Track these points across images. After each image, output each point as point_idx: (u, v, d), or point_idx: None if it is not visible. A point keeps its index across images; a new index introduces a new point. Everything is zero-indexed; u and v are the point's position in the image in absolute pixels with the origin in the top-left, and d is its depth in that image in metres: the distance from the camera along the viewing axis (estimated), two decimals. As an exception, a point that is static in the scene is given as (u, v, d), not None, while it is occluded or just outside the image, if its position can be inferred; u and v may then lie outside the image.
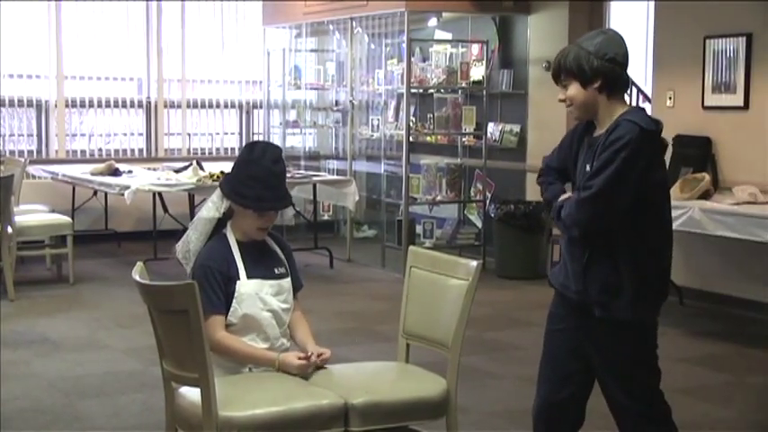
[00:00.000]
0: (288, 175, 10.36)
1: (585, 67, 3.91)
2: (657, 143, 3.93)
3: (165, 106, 12.65)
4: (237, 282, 4.23)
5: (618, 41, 3.96)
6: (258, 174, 4.23)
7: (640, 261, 3.89)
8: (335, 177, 11.30)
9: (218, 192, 4.35)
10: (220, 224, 4.36)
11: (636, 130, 3.78)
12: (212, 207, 4.35)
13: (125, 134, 12.48)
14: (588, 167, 3.89)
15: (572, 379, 4.11)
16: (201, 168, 10.33)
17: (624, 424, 4.11)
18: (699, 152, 8.57)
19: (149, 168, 11.55)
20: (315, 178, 10.87)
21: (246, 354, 4.23)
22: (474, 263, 4.32)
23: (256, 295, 4.25)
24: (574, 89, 3.95)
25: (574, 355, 4.08)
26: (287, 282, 4.37)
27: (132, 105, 12.47)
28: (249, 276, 4.26)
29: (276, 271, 4.35)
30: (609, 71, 3.91)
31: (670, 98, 8.90)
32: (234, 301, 4.22)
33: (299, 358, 4.20)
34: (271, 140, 12.63)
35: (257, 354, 4.24)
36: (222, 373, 4.14)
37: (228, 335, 4.20)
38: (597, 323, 3.97)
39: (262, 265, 4.32)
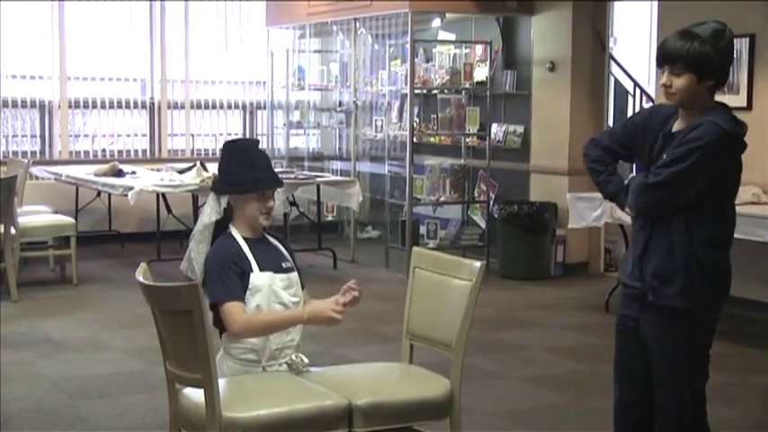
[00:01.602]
0: (291, 175, 10.50)
1: (709, 66, 3.86)
2: (737, 145, 3.99)
3: (169, 107, 12.64)
4: (251, 274, 4.27)
5: (732, 39, 3.95)
6: (249, 159, 4.35)
7: (698, 250, 3.91)
8: (339, 178, 11.30)
9: (212, 195, 4.42)
10: (219, 232, 4.40)
11: (717, 133, 3.83)
12: (211, 211, 4.40)
13: (128, 135, 12.47)
14: (665, 157, 3.91)
15: (640, 378, 4.14)
16: (205, 169, 10.32)
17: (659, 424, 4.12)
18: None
19: (153, 169, 11.53)
20: (318, 179, 10.86)
21: (276, 322, 4.26)
22: (477, 263, 4.33)
23: (269, 287, 4.28)
24: (687, 80, 3.87)
25: (638, 355, 4.12)
26: (295, 275, 4.42)
27: (136, 106, 12.47)
28: (261, 269, 4.29)
29: (284, 265, 4.40)
30: (725, 73, 3.92)
31: (673, 99, 8.89)
32: (248, 292, 4.25)
33: (334, 309, 4.24)
34: (274, 141, 12.70)
35: (284, 317, 4.27)
36: (234, 372, 4.22)
37: (251, 314, 4.23)
38: (649, 311, 4.00)
39: (270, 259, 4.36)
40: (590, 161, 4.23)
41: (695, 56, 3.84)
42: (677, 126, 3.98)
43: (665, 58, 3.91)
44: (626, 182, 4.07)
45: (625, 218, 8.16)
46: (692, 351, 4.03)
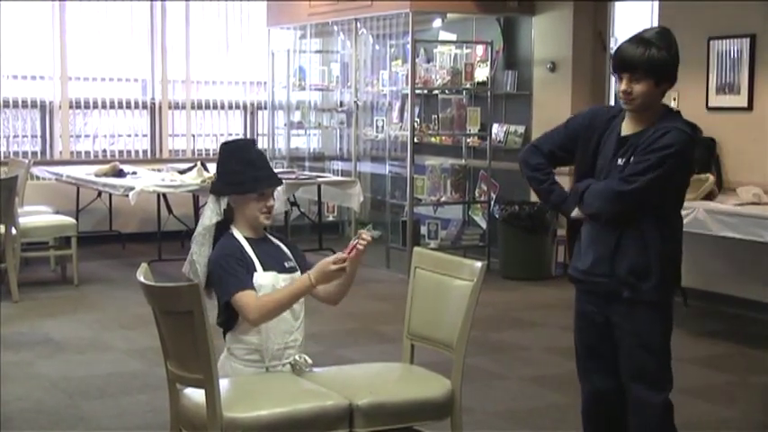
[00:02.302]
0: (292, 175, 10.50)
1: (667, 71, 4.01)
2: (696, 147, 4.17)
3: (170, 107, 12.64)
4: (255, 273, 4.25)
5: (677, 42, 4.09)
6: (247, 159, 4.33)
7: (667, 244, 4.08)
8: (340, 178, 11.30)
9: (211, 197, 4.40)
10: (220, 233, 4.39)
11: (686, 140, 3.99)
12: (211, 213, 4.39)
13: (129, 135, 12.48)
14: (621, 161, 4.05)
15: (610, 370, 4.23)
16: (206, 169, 10.33)
17: (632, 415, 4.18)
18: (703, 153, 8.56)
19: (154, 169, 11.54)
20: (319, 179, 10.86)
21: (285, 297, 4.20)
22: (478, 264, 4.32)
23: (273, 287, 4.25)
24: (646, 86, 4.00)
25: (607, 348, 4.22)
26: (298, 275, 4.38)
27: (136, 106, 12.47)
28: (265, 269, 4.28)
29: (286, 265, 4.38)
30: (675, 78, 4.07)
31: (674, 99, 8.89)
32: None
33: (335, 263, 4.16)
34: (275, 141, 12.70)
35: (293, 288, 4.21)
36: (238, 372, 4.23)
37: (263, 296, 4.19)
38: (622, 305, 4.12)
39: (273, 259, 4.34)
40: (531, 169, 4.38)
41: (655, 62, 3.97)
42: (627, 129, 4.12)
43: (625, 65, 4.03)
44: (579, 188, 4.15)
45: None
46: (668, 341, 4.20)
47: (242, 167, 4.31)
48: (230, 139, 4.81)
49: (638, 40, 4.02)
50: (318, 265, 4.18)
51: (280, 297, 4.20)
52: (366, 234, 4.21)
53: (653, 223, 4.04)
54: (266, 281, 4.25)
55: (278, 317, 4.24)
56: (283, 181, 4.63)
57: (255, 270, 4.26)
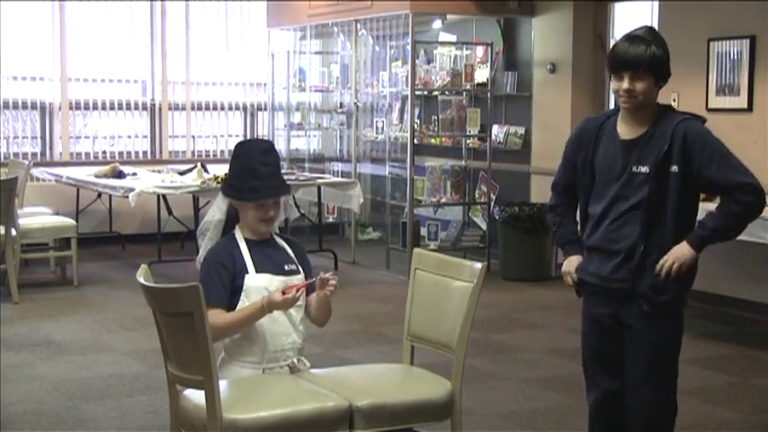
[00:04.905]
0: (292, 177, 10.51)
1: (665, 68, 4.10)
2: None
3: (170, 108, 12.64)
4: (246, 276, 4.25)
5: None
6: (250, 166, 4.31)
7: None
8: (340, 180, 11.28)
9: (219, 194, 4.46)
10: (228, 230, 4.41)
11: (701, 125, 4.16)
12: (216, 210, 4.45)
13: (129, 136, 12.48)
14: (643, 169, 4.08)
15: (619, 371, 4.27)
16: (206, 170, 10.32)
17: (638, 415, 4.20)
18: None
19: (154, 171, 11.54)
20: (319, 180, 10.85)
21: (238, 319, 4.17)
22: (478, 265, 4.32)
23: (265, 289, 4.24)
24: (646, 84, 4.05)
25: (617, 348, 4.25)
26: (298, 279, 4.37)
27: (136, 107, 12.47)
28: (258, 271, 4.28)
29: (286, 267, 4.37)
30: (669, 75, 4.15)
31: (674, 100, 8.89)
32: (242, 294, 4.24)
33: (283, 295, 4.12)
34: (275, 143, 12.67)
35: (245, 312, 4.18)
36: (234, 373, 4.22)
37: (221, 315, 4.17)
38: (634, 305, 4.15)
39: (271, 261, 4.34)
40: (548, 211, 4.59)
41: (656, 59, 4.04)
42: (626, 132, 4.15)
43: (627, 64, 4.05)
44: (705, 233, 4.12)
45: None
46: (679, 344, 4.26)
47: (244, 174, 4.31)
48: (247, 139, 4.75)
49: (636, 38, 4.06)
50: (272, 295, 4.14)
51: (234, 319, 4.18)
52: (332, 278, 4.22)
53: (673, 236, 4.08)
54: (258, 283, 4.24)
55: (272, 319, 4.24)
56: (290, 189, 4.61)
57: (247, 272, 4.26)
